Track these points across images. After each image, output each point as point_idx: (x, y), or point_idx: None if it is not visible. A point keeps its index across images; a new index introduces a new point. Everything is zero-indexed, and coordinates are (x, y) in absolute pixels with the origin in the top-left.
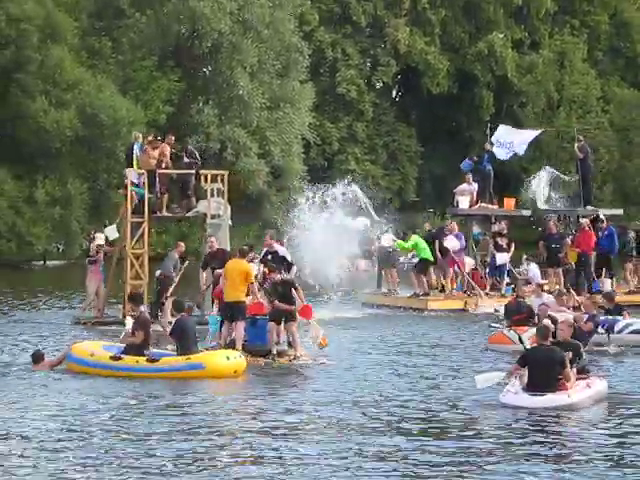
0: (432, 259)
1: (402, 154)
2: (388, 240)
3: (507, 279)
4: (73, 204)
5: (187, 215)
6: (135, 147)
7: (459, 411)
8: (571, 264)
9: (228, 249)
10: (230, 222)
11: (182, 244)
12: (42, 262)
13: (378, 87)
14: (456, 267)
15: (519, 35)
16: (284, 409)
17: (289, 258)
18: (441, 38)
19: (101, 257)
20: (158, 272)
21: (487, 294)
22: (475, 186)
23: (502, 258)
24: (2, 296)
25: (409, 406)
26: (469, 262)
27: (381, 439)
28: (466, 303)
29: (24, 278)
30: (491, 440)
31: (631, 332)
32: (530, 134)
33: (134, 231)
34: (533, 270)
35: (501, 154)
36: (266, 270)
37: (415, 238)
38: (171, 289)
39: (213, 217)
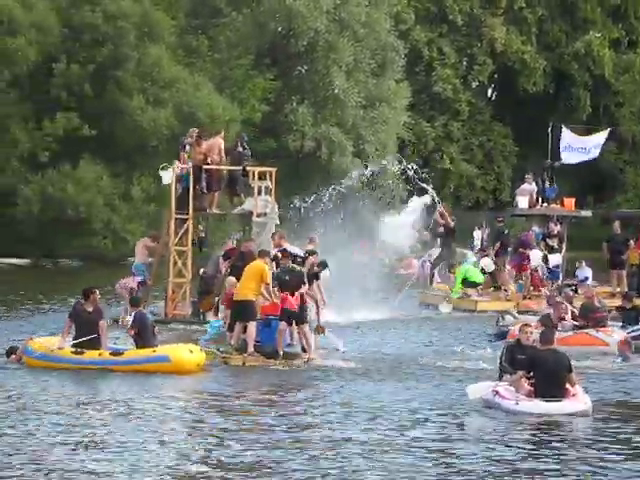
0: (480, 281)
1: (497, 154)
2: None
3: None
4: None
5: (233, 213)
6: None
7: (470, 420)
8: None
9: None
10: (277, 221)
11: (229, 243)
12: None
13: (474, 86)
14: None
15: (617, 34)
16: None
17: (301, 253)
18: (538, 37)
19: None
20: (202, 270)
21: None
22: (534, 186)
23: (554, 259)
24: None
25: (422, 414)
26: (537, 256)
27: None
28: (518, 304)
29: (114, 274)
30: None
31: None
32: (600, 137)
33: (178, 228)
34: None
35: (571, 158)
36: (279, 255)
37: (460, 273)
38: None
39: (259, 215)
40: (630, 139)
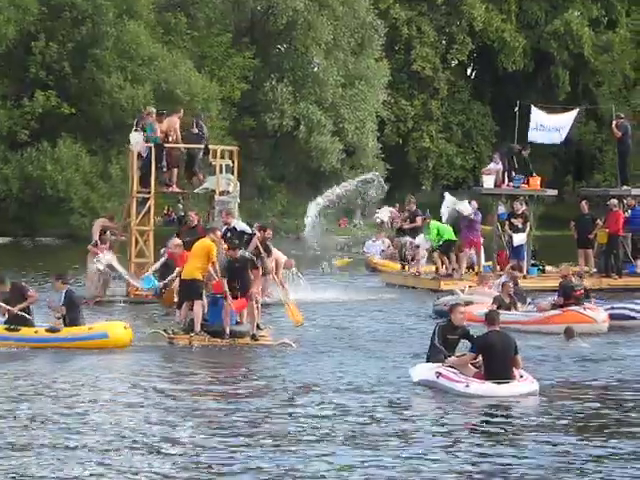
0: (455, 239)
1: (477, 133)
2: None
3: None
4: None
5: (195, 191)
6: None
7: (422, 404)
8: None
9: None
10: (238, 200)
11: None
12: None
13: (453, 65)
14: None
15: (596, 13)
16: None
17: (249, 230)
18: (517, 16)
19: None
20: (163, 250)
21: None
22: (500, 166)
23: (519, 238)
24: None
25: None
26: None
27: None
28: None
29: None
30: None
31: None
32: (570, 116)
33: (139, 207)
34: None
35: (542, 138)
36: (226, 247)
37: (434, 225)
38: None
39: (222, 194)
40: (609, 118)
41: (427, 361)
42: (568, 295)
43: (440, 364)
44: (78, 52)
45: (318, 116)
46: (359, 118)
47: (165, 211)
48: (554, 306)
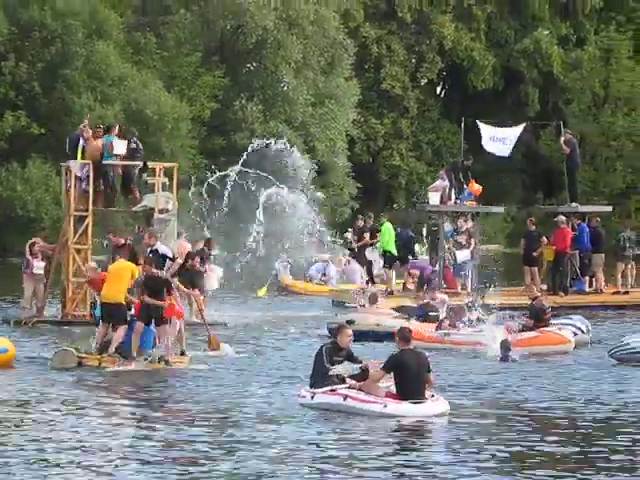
0: (394, 252)
1: (446, 151)
2: None
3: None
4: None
5: (134, 210)
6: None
7: (336, 427)
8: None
9: (173, 245)
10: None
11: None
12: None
13: (423, 83)
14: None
15: (565, 31)
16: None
17: (170, 255)
18: (487, 34)
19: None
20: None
21: (457, 293)
22: (447, 183)
23: (462, 255)
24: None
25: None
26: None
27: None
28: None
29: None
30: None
31: None
32: (517, 131)
33: (77, 225)
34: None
35: (501, 150)
36: (142, 263)
37: (386, 227)
38: None
39: (161, 212)
40: (578, 135)
41: (312, 384)
42: (539, 318)
43: (342, 386)
44: (48, 72)
45: (288, 135)
46: (329, 137)
47: (136, 230)
48: (524, 327)
